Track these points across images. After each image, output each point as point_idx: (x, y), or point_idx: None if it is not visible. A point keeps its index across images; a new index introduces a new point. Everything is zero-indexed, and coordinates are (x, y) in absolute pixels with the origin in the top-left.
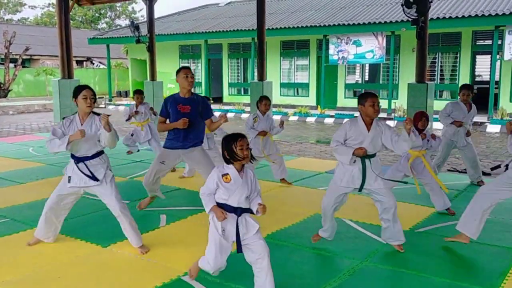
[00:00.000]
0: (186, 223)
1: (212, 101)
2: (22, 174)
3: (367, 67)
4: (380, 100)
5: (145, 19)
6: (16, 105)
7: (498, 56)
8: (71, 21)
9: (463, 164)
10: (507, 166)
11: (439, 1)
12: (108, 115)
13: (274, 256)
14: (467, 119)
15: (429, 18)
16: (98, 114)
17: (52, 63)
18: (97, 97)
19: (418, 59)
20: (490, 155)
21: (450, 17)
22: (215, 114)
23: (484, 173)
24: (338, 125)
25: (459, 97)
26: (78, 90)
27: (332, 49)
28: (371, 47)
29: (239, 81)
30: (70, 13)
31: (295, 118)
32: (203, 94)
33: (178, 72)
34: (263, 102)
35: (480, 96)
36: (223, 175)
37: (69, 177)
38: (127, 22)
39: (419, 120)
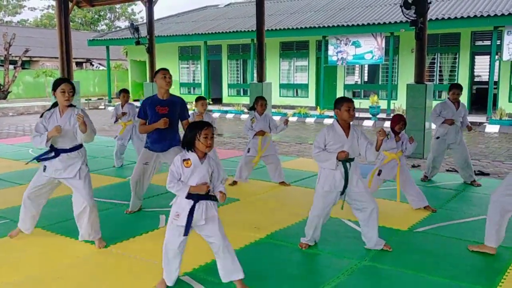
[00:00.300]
0: None
1: (210, 102)
2: (22, 175)
3: (366, 68)
4: (379, 101)
5: (145, 21)
6: (16, 106)
7: (497, 57)
8: (70, 23)
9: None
10: None
11: (438, 2)
12: (83, 115)
13: (274, 256)
14: (456, 116)
15: (428, 19)
16: (74, 106)
17: (52, 64)
18: (75, 89)
19: (417, 59)
20: (489, 155)
21: (449, 18)
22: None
23: (482, 173)
24: None
25: (448, 96)
26: (57, 83)
27: (331, 50)
28: (370, 48)
29: (239, 82)
30: (70, 15)
31: (295, 118)
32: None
33: (156, 73)
34: (259, 103)
35: (479, 97)
36: (184, 160)
37: (45, 166)
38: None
39: (397, 123)
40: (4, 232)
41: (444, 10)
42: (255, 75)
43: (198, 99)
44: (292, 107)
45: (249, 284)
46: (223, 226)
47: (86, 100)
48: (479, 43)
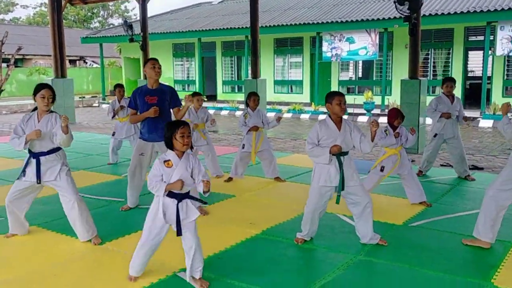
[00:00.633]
0: None
1: (206, 99)
2: (16, 173)
3: (360, 64)
4: (374, 97)
5: (138, 18)
6: (9, 104)
7: (490, 52)
8: (63, 21)
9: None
10: None
11: None
12: (67, 118)
13: (269, 251)
14: (452, 110)
15: (421, 15)
16: (53, 112)
17: (45, 62)
18: (55, 96)
19: (411, 55)
20: (483, 149)
21: (442, 14)
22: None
23: (476, 168)
24: None
25: (442, 90)
26: (38, 88)
27: (325, 46)
28: (364, 44)
29: (233, 79)
30: (63, 12)
31: (289, 115)
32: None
33: (145, 63)
34: (251, 98)
35: (473, 92)
36: (165, 161)
37: (24, 171)
38: (120, 21)
39: (395, 118)
40: (0, 230)
41: (438, 5)
42: (249, 71)
43: (194, 94)
44: (287, 104)
45: (245, 279)
46: (219, 222)
47: (80, 98)
48: (473, 38)
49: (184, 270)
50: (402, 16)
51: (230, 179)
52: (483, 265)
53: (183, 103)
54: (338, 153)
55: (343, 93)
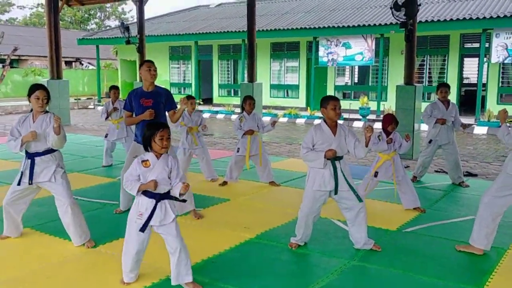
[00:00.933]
0: None
1: (201, 102)
2: (10, 174)
3: (356, 69)
4: (369, 102)
5: (135, 20)
6: (4, 105)
7: (485, 59)
8: (60, 22)
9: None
10: None
11: (428, 4)
12: (60, 118)
13: (263, 256)
14: (447, 116)
15: (417, 21)
16: (48, 112)
17: (41, 63)
18: (50, 97)
19: (406, 61)
20: (477, 156)
21: (438, 20)
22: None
23: (470, 174)
24: None
25: (437, 96)
26: (32, 89)
27: (322, 51)
28: (361, 50)
29: (229, 83)
30: (60, 13)
31: (285, 119)
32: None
33: (141, 65)
34: (247, 102)
35: (468, 98)
36: (143, 161)
37: (22, 173)
38: (117, 23)
39: (389, 123)
40: None
41: (434, 12)
42: (245, 75)
43: (188, 98)
44: (283, 108)
45: (239, 283)
46: (213, 226)
47: (75, 99)
48: (468, 45)
49: None
50: (398, 22)
51: (225, 183)
52: (476, 271)
53: (178, 106)
54: (333, 158)
55: (338, 98)
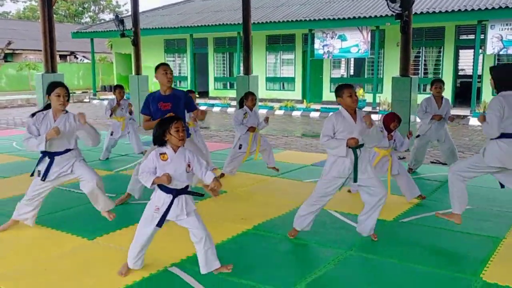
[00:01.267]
0: None
1: (198, 96)
2: (6, 168)
3: (352, 62)
4: (365, 94)
5: (130, 13)
6: None
7: (480, 51)
8: (54, 15)
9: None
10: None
11: None
12: (85, 114)
13: (260, 246)
14: (442, 112)
15: (413, 13)
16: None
17: (35, 57)
18: (70, 93)
19: (402, 53)
20: (473, 147)
21: (433, 12)
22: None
23: None
24: (323, 119)
25: (431, 92)
26: (52, 87)
27: (317, 44)
28: (356, 42)
29: (225, 76)
30: (53, 7)
31: (281, 112)
32: (188, 89)
33: (156, 68)
34: (249, 98)
35: (463, 90)
36: (160, 154)
37: (39, 171)
38: (111, 16)
39: (391, 121)
40: None
41: (429, 4)
42: (241, 68)
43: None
44: (279, 101)
45: (237, 274)
46: (210, 217)
47: (70, 93)
48: (463, 37)
49: (175, 264)
50: (394, 14)
51: (222, 175)
52: (472, 261)
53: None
54: (355, 146)
55: (352, 84)
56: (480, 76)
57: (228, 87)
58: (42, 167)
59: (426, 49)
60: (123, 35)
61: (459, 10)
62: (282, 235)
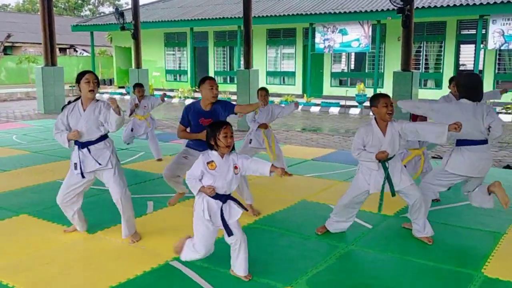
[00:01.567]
0: (173, 210)
1: (198, 90)
2: (6, 162)
3: (353, 56)
4: (366, 89)
5: (130, 6)
6: None
7: (482, 45)
8: (54, 8)
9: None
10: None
11: None
12: (115, 100)
13: (262, 241)
14: None
15: (414, 7)
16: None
17: (35, 50)
18: (99, 81)
19: (403, 48)
20: None
21: (435, 6)
22: None
23: None
24: (324, 113)
25: (449, 89)
26: (81, 74)
27: (318, 38)
28: (357, 36)
29: (225, 70)
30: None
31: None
32: (188, 83)
33: (202, 81)
34: (260, 93)
35: None
36: (208, 163)
37: (75, 164)
38: (111, 9)
39: (416, 118)
40: None
41: None
42: (241, 62)
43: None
44: (279, 95)
45: None
46: None
47: (70, 86)
48: (465, 32)
49: (176, 258)
50: (396, 8)
51: None
52: (473, 255)
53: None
54: (385, 159)
55: (388, 95)
56: (481, 71)
57: (229, 81)
58: (78, 161)
59: (427, 44)
60: (123, 28)
61: (461, 4)
62: (282, 229)
